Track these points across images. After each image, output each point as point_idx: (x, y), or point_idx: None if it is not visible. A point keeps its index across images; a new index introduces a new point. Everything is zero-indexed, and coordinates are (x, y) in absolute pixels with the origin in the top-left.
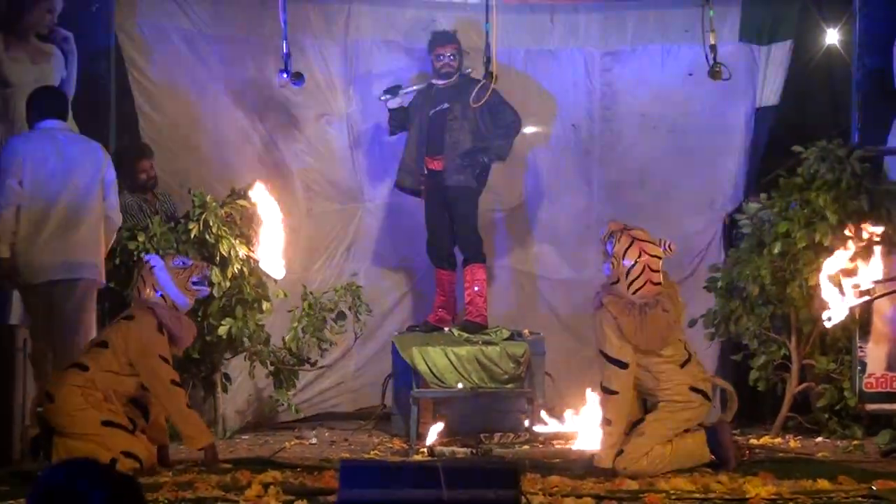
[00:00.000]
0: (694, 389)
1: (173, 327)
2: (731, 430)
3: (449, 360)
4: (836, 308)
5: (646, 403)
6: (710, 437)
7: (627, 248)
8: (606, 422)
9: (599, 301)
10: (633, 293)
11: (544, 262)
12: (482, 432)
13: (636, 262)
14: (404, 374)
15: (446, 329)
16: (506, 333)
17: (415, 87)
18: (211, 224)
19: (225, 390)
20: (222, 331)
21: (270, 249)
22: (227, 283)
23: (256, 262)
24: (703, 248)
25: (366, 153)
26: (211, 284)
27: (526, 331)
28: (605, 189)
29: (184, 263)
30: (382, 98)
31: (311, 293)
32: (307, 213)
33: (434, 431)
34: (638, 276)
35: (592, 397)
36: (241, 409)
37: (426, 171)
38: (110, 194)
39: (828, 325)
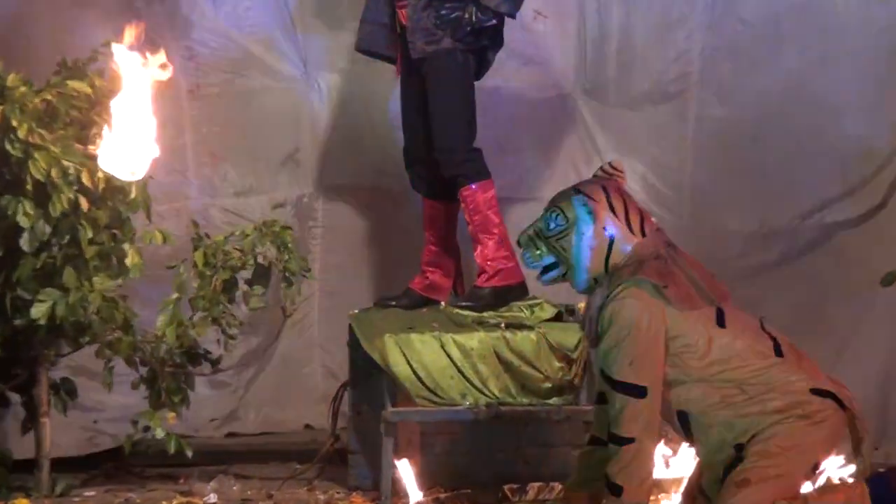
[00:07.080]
0: None
1: None
2: None
3: (448, 356)
4: None
5: None
6: (874, 490)
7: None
8: None
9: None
10: None
11: None
12: (506, 482)
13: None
14: (370, 382)
15: (442, 303)
16: (548, 310)
17: None
18: (15, 124)
19: (60, 410)
20: (38, 312)
21: (124, 139)
22: (49, 229)
23: (95, 156)
24: None
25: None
26: None
27: (580, 305)
28: None
29: None
30: None
31: (206, 235)
32: (195, 94)
33: (421, 481)
34: None
35: None
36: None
37: (399, 29)
38: None
39: None
